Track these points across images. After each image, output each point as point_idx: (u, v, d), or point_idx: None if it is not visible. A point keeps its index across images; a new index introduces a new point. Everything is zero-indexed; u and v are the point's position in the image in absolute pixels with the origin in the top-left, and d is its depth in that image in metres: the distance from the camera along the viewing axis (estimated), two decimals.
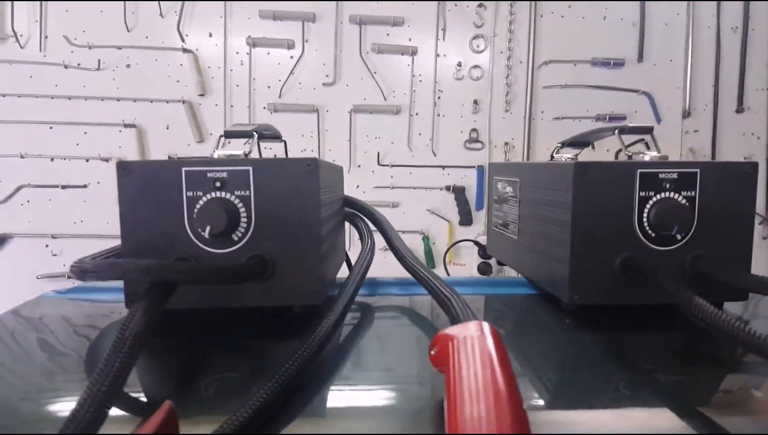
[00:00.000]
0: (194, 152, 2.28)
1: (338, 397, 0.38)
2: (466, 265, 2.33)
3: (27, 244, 2.31)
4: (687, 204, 0.51)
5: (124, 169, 0.49)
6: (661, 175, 0.50)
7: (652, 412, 0.36)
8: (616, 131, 0.57)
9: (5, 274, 2.28)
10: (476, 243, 1.69)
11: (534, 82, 2.38)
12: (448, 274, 1.70)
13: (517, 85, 2.38)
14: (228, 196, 0.48)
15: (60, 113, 2.27)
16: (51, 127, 2.28)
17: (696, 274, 0.51)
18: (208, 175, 0.48)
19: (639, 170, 0.50)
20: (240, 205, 0.48)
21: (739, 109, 2.46)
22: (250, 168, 0.48)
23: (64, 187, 2.28)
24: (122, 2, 2.24)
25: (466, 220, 2.37)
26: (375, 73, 2.34)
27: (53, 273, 2.30)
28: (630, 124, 0.56)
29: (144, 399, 0.38)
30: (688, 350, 0.48)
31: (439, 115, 2.39)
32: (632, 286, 0.51)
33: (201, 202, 0.48)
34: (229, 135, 0.55)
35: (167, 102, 2.29)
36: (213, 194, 0.48)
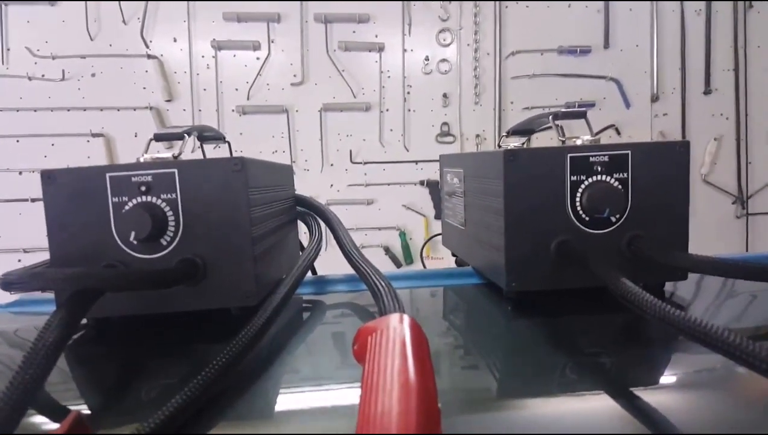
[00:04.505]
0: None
1: (268, 398, 0.37)
2: (444, 259, 2.33)
3: None
4: (619, 186, 0.51)
5: (48, 177, 0.48)
6: (591, 159, 0.50)
7: (588, 396, 0.36)
8: (551, 117, 0.57)
9: None
10: None
11: (502, 73, 2.39)
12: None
13: (485, 77, 2.39)
14: (154, 199, 0.47)
15: (26, 126, 2.25)
16: (17, 141, 2.26)
17: (633, 256, 0.51)
18: (133, 179, 0.47)
19: (569, 154, 0.50)
20: (167, 208, 0.47)
21: (707, 91, 2.49)
22: (176, 170, 0.47)
23: (33, 200, 2.25)
24: (84, 10, 2.21)
25: (441, 214, 2.37)
26: (343, 71, 2.33)
27: None
28: (563, 110, 0.56)
29: (70, 409, 0.37)
30: (625, 332, 0.48)
31: (409, 110, 2.39)
32: (569, 270, 0.51)
33: (127, 208, 0.47)
34: (159, 138, 0.54)
35: (134, 109, 2.27)
36: (139, 199, 0.47)
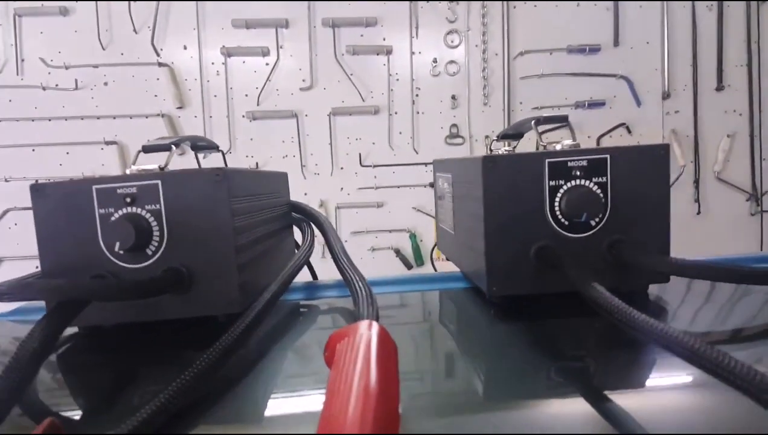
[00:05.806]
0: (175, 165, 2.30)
1: (246, 403, 0.38)
2: None
3: (17, 267, 2.33)
4: (598, 190, 0.51)
5: (36, 191, 0.49)
6: (570, 164, 0.51)
7: (567, 400, 0.36)
8: (533, 122, 0.57)
9: None
10: None
11: (511, 74, 2.38)
12: (436, 270, 1.70)
13: (494, 78, 2.39)
14: (139, 210, 0.49)
15: (41, 135, 2.29)
16: (33, 150, 2.30)
17: (614, 260, 0.51)
18: (118, 191, 0.48)
19: (547, 160, 0.50)
20: (152, 219, 0.49)
21: (719, 87, 2.45)
22: (159, 181, 0.48)
23: None
24: (96, 20, 2.25)
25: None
26: (351, 74, 2.34)
27: None
28: (545, 114, 0.56)
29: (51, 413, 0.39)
30: (609, 335, 0.48)
31: (418, 112, 2.39)
32: (551, 275, 0.51)
33: (113, 219, 0.48)
34: (147, 150, 0.56)
35: (146, 117, 2.30)
36: (124, 210, 0.49)
